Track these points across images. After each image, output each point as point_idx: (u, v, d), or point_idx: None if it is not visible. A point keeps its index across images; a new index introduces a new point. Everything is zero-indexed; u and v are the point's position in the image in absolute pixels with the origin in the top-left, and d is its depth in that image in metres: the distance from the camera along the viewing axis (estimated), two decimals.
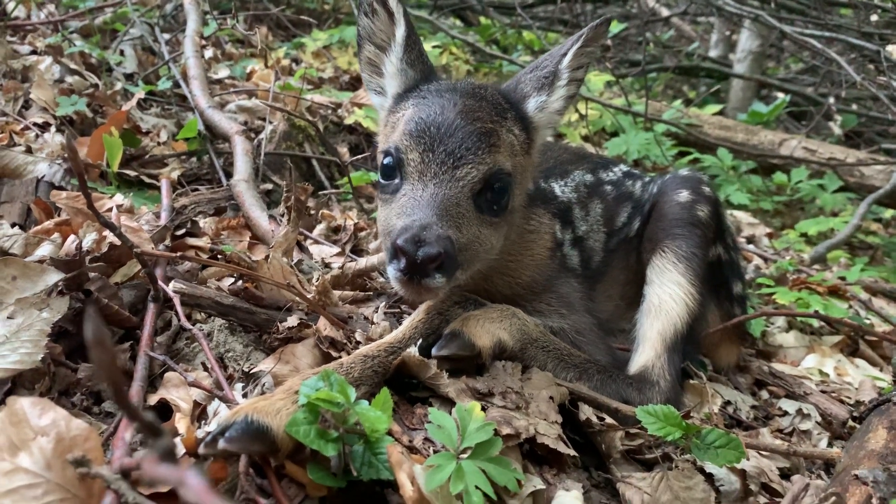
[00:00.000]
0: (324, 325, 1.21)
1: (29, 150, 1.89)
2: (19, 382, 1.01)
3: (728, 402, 1.72)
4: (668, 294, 1.60)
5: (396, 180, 1.22)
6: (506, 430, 1.06)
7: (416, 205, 1.14)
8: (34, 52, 2.67)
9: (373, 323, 1.31)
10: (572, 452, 1.15)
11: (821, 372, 2.12)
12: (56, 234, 1.55)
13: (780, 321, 2.39)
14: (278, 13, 4.53)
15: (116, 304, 1.19)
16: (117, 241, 1.37)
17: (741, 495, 1.38)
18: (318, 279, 1.28)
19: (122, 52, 2.92)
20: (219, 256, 1.64)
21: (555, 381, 1.31)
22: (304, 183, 1.62)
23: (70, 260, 1.11)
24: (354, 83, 4.00)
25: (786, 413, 1.78)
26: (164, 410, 1.06)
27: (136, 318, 1.22)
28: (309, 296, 1.27)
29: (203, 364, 1.17)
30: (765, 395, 1.89)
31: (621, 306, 1.71)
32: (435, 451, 1.02)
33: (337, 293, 1.42)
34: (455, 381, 1.15)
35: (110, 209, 1.73)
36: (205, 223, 1.82)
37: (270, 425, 0.89)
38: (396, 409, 1.14)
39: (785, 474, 1.51)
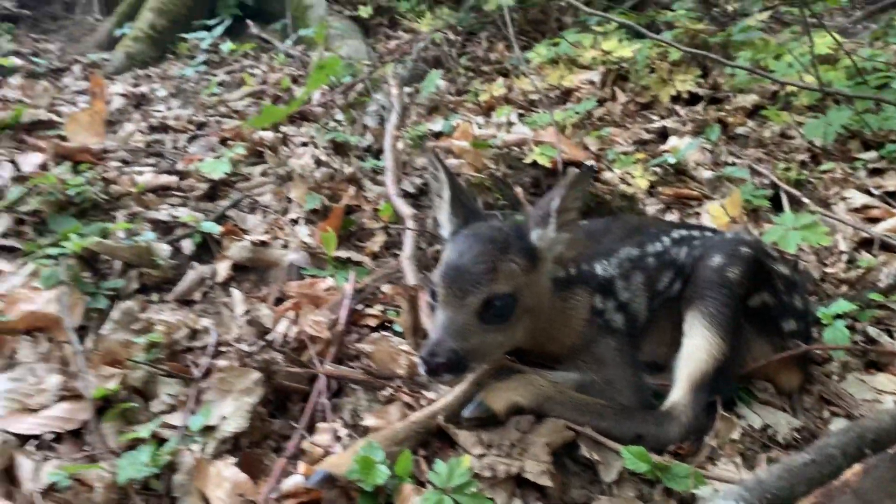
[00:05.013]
0: (403, 395, 1.96)
1: (286, 245, 2.90)
2: (242, 436, 1.93)
3: (767, 426, 2.08)
4: (695, 345, 2.04)
5: (435, 303, 1.89)
6: (487, 473, 1.71)
7: (438, 325, 1.81)
8: (304, 144, 3.74)
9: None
10: (549, 483, 1.75)
11: None
12: (291, 312, 2.51)
13: None
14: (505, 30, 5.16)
15: (296, 382, 2.07)
16: (310, 331, 2.27)
17: None
18: (407, 363, 2.03)
19: (364, 128, 3.87)
20: (386, 324, 2.48)
21: (566, 426, 1.89)
22: (415, 285, 2.34)
23: (262, 367, 2.00)
24: (564, 97, 4.52)
25: None
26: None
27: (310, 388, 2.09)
28: (401, 371, 2.03)
29: (341, 418, 2.00)
30: (826, 414, 2.17)
31: (672, 350, 2.15)
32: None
33: None
34: (472, 434, 1.82)
35: (327, 289, 2.65)
36: (386, 290, 2.66)
37: (337, 474, 1.68)
38: (438, 451, 1.85)
39: None
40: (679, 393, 2.01)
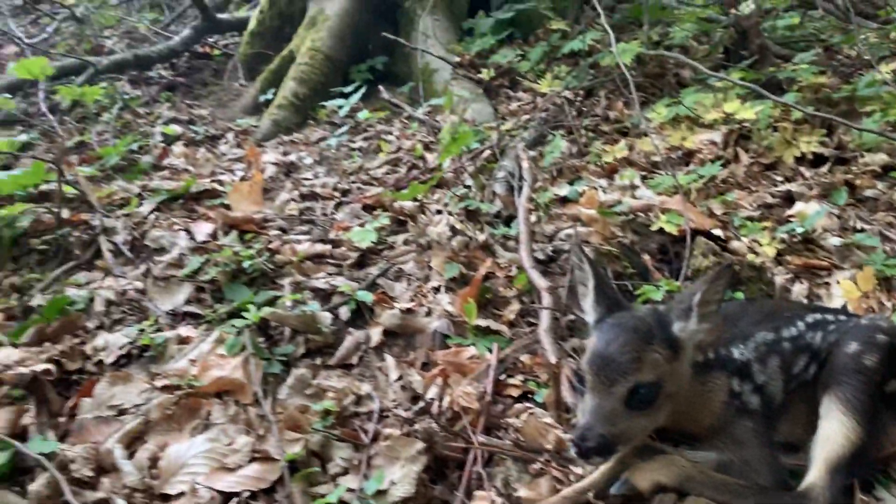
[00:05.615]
0: (553, 469, 2.16)
1: (429, 313, 3.17)
2: (409, 501, 2.18)
3: None
4: (831, 429, 2.14)
5: (583, 388, 2.08)
6: None
7: (587, 410, 2.00)
8: (438, 212, 4.03)
9: None
10: None
11: None
12: (439, 379, 2.76)
13: None
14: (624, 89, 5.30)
15: (451, 450, 2.31)
16: (462, 402, 2.50)
17: None
18: (554, 438, 2.23)
19: (494, 194, 4.12)
20: (528, 394, 2.68)
21: None
22: (557, 361, 2.53)
23: (425, 437, 2.25)
24: (686, 158, 4.62)
25: None
26: None
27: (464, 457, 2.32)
28: (549, 445, 2.23)
29: (494, 487, 2.22)
30: None
31: (807, 431, 2.25)
32: None
33: None
34: None
35: (470, 358, 2.89)
36: (524, 359, 2.87)
37: None
38: None
39: None
40: (816, 474, 2.10)
